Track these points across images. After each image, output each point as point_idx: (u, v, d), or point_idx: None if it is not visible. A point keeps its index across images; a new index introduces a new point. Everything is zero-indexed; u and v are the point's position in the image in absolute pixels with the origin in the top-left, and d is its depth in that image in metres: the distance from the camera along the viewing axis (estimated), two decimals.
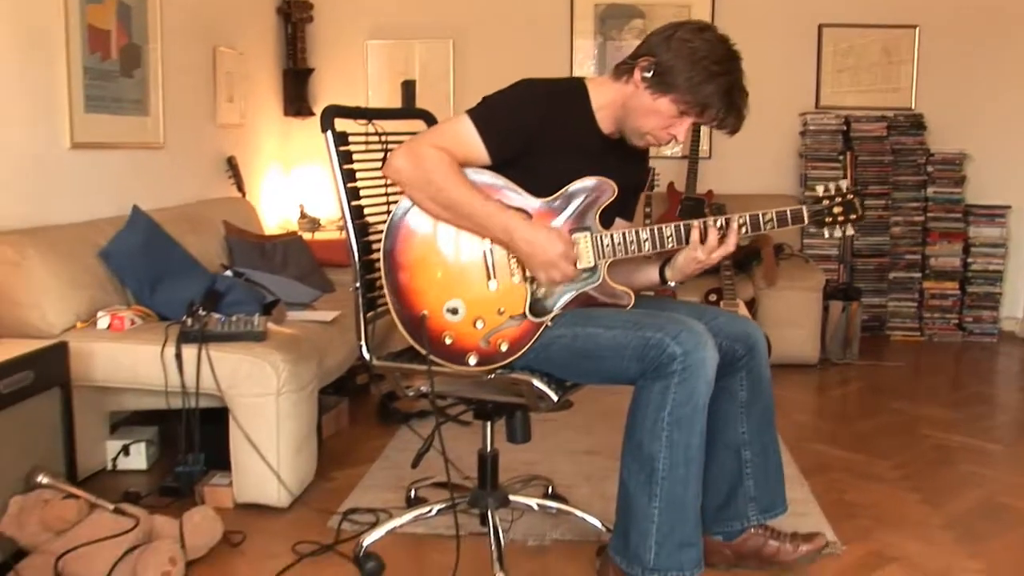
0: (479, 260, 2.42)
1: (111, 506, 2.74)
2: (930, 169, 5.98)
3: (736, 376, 2.56)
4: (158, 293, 3.55)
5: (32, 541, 2.64)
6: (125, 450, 3.56)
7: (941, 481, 3.50)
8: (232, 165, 5.23)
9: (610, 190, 2.42)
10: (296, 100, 6.22)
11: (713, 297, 5.05)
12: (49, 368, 2.88)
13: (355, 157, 2.65)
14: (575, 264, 2.38)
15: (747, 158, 6.10)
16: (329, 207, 6.04)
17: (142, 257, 3.64)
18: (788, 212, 2.42)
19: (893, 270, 6.04)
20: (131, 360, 3.17)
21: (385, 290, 2.46)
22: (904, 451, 3.84)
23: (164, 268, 3.66)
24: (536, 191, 2.42)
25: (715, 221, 2.41)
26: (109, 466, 3.56)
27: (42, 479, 2.77)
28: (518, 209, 2.41)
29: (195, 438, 3.14)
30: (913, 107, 6.08)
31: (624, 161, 2.56)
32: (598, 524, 2.89)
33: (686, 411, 2.24)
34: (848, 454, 3.82)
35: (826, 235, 2.50)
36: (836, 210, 2.47)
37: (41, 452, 2.84)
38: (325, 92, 6.31)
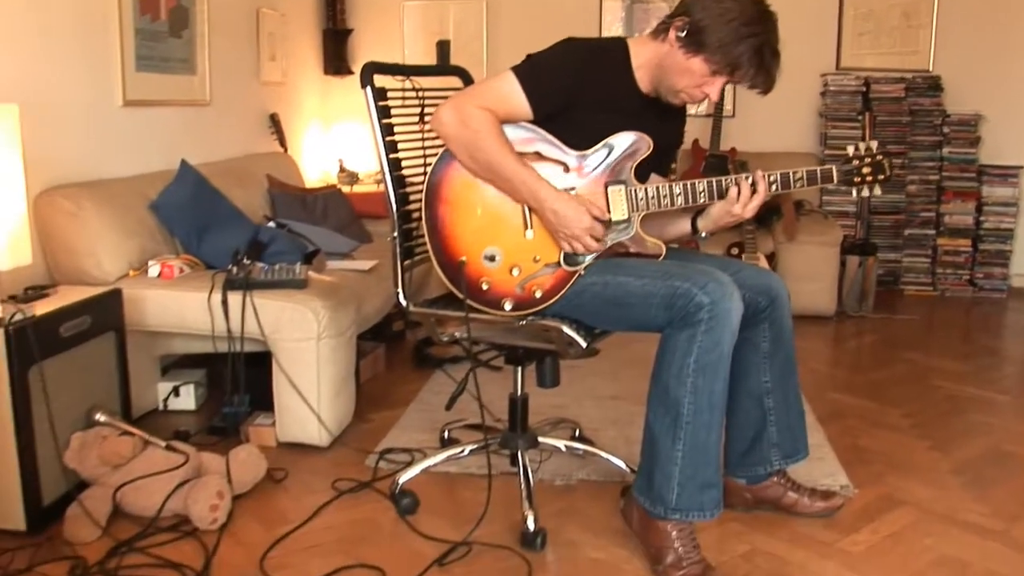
0: (517, 210, 2.40)
1: (163, 443, 2.76)
2: (946, 130, 5.87)
3: (759, 327, 2.54)
4: (205, 243, 3.57)
5: (92, 474, 2.68)
6: (175, 391, 3.59)
7: (950, 429, 3.48)
8: (275, 121, 5.22)
9: (646, 145, 2.39)
10: (335, 59, 6.18)
11: (735, 251, 5.02)
12: (105, 313, 2.89)
13: (393, 112, 2.63)
14: (599, 239, 2.36)
15: (769, 117, 6.02)
16: (367, 162, 6.02)
17: (190, 209, 3.65)
18: (818, 171, 2.39)
19: (908, 227, 5.97)
20: (180, 306, 3.19)
21: (425, 236, 2.44)
22: (915, 400, 3.82)
23: (211, 219, 3.67)
24: (575, 145, 2.40)
25: (747, 178, 2.38)
26: (160, 406, 3.59)
27: (100, 417, 2.80)
28: (556, 161, 2.39)
29: (240, 380, 3.15)
30: (931, 69, 5.96)
31: (661, 120, 2.53)
32: (623, 466, 2.89)
33: (711, 359, 2.22)
34: (862, 402, 3.80)
35: (854, 195, 2.46)
36: (865, 170, 2.44)
37: (98, 392, 2.86)
38: (363, 52, 6.27)
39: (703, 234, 2.55)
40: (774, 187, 2.40)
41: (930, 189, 5.93)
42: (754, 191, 2.38)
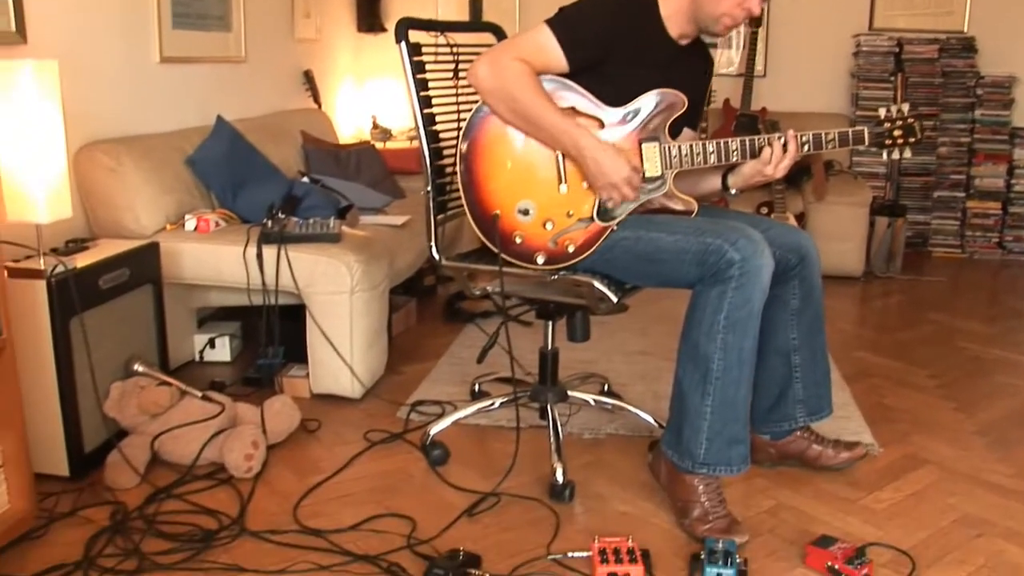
0: (551, 164, 2.39)
1: (199, 393, 2.80)
2: (979, 92, 5.78)
3: (788, 285, 2.53)
4: (240, 198, 3.58)
5: (131, 423, 2.71)
6: (211, 343, 3.62)
7: (975, 390, 3.46)
8: (309, 78, 5.20)
9: (680, 103, 2.38)
10: (369, 17, 6.14)
11: (764, 210, 4.99)
12: (142, 266, 2.92)
13: (427, 68, 2.62)
14: (636, 190, 2.35)
15: (800, 77, 5.95)
16: (400, 118, 6.00)
17: (226, 164, 3.66)
18: (850, 133, 2.38)
19: (938, 189, 5.89)
20: (216, 259, 3.21)
21: (460, 190, 2.44)
22: (941, 361, 3.80)
23: (246, 174, 3.68)
24: (608, 99, 2.38)
25: (779, 138, 2.36)
26: (196, 358, 3.63)
27: (138, 367, 2.83)
28: (591, 117, 2.37)
29: (275, 333, 3.17)
30: (965, 30, 5.86)
31: (691, 70, 2.52)
32: (651, 420, 2.90)
33: (741, 315, 2.22)
34: (888, 362, 3.78)
35: (884, 157, 2.44)
36: (896, 133, 2.42)
37: (137, 344, 2.90)
38: (396, 9, 6.21)
39: (733, 191, 2.53)
40: (806, 147, 2.38)
41: (961, 151, 5.85)
42: (785, 151, 2.36)
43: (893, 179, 5.89)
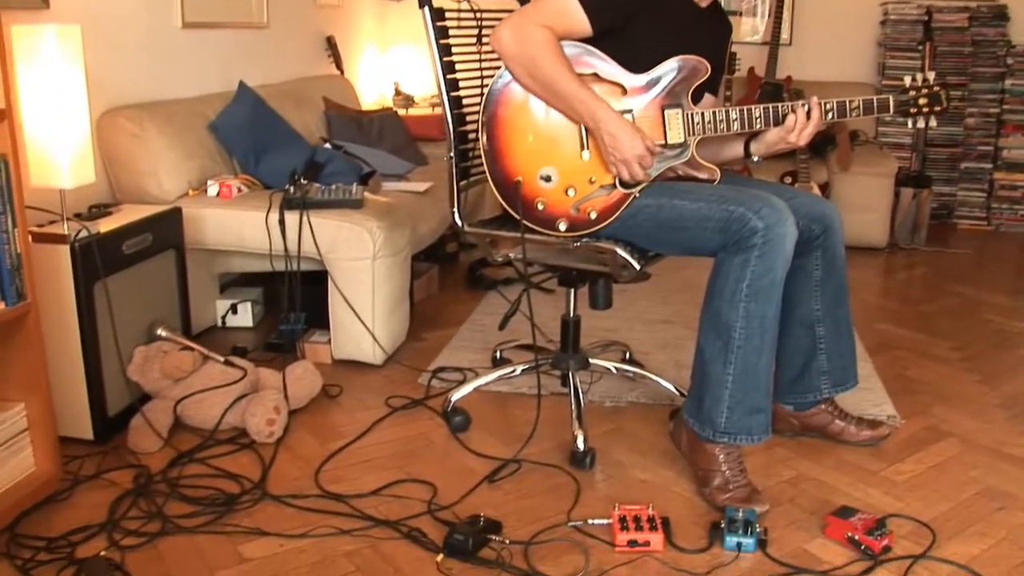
0: (573, 130, 2.37)
1: (222, 358, 2.81)
2: (1010, 61, 5.68)
3: (812, 255, 2.51)
4: (263, 163, 3.58)
5: (154, 387, 2.73)
6: (233, 309, 3.64)
7: (999, 363, 3.43)
8: (331, 44, 5.19)
9: (703, 69, 2.35)
10: None
11: (788, 180, 4.95)
12: (165, 231, 2.92)
13: (450, 33, 2.60)
14: (647, 169, 2.33)
15: (826, 45, 5.89)
16: (422, 85, 5.99)
17: (248, 130, 3.66)
18: (875, 101, 2.35)
19: (965, 160, 5.83)
20: (238, 225, 3.21)
21: (482, 156, 2.43)
22: (965, 334, 3.77)
23: (268, 140, 3.68)
24: (630, 65, 2.36)
25: (803, 105, 2.34)
26: (219, 323, 3.65)
27: (161, 332, 2.85)
28: (613, 83, 2.35)
29: (297, 298, 3.17)
30: None
31: (711, 34, 2.51)
32: (672, 389, 2.90)
33: (764, 284, 2.20)
34: (911, 334, 3.76)
35: (909, 126, 2.41)
36: (921, 101, 2.39)
37: (160, 309, 2.91)
38: None
39: (756, 159, 2.51)
40: (830, 115, 2.36)
41: (989, 122, 5.78)
42: (809, 118, 2.34)
43: (919, 150, 5.83)
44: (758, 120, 2.36)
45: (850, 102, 2.34)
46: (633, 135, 2.28)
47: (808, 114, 2.34)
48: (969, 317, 4.01)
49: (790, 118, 2.34)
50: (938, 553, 2.14)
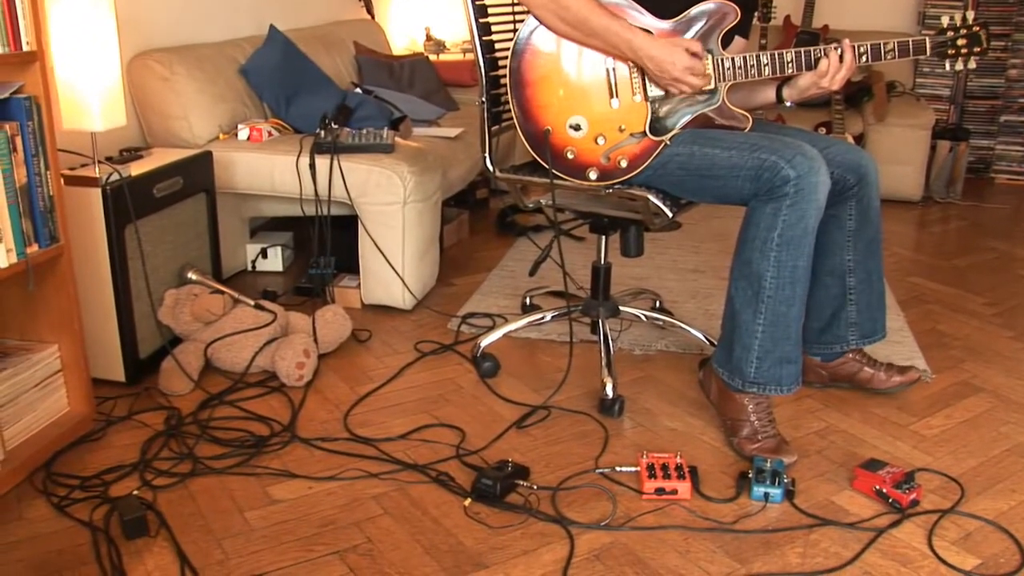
0: (602, 78, 2.34)
1: (252, 302, 2.82)
2: None
3: (846, 205, 2.48)
4: (293, 107, 3.57)
5: (185, 330, 2.75)
6: (263, 253, 3.65)
7: None
8: None
9: (733, 13, 2.31)
10: None
11: (823, 130, 4.88)
12: (196, 175, 2.92)
13: None
14: (703, 75, 2.28)
15: None
16: (453, 30, 5.93)
17: (278, 74, 3.64)
18: (910, 42, 2.29)
19: (1005, 113, 5.72)
20: (268, 169, 3.20)
21: (511, 106, 2.41)
22: (998, 289, 3.72)
23: (299, 84, 3.66)
24: (659, 11, 2.32)
25: (836, 47, 2.29)
26: (249, 267, 3.66)
27: (192, 276, 2.86)
28: (642, 30, 2.31)
29: (327, 243, 3.18)
30: None
31: None
32: (702, 337, 2.89)
33: (795, 233, 2.18)
34: (944, 288, 3.72)
35: (947, 68, 2.36)
36: (960, 42, 2.32)
37: (190, 252, 2.92)
38: None
39: (788, 104, 2.47)
40: (863, 58, 2.31)
41: None
42: (842, 61, 2.30)
43: (957, 102, 5.73)
44: (790, 65, 2.32)
45: (885, 44, 2.29)
46: (673, 51, 2.24)
47: (841, 57, 2.29)
48: (1003, 272, 3.96)
49: (823, 62, 2.30)
50: (966, 508, 2.13)
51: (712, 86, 2.33)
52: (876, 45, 2.30)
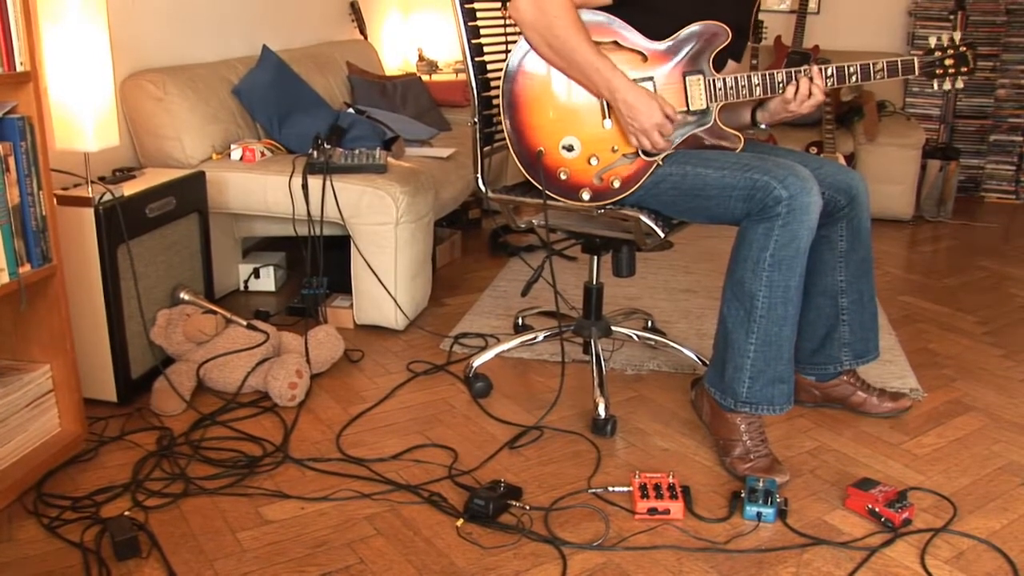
0: (595, 100, 2.36)
1: (244, 322, 2.82)
2: None
3: (837, 226, 2.49)
4: (286, 127, 3.58)
5: (177, 350, 2.75)
6: (256, 273, 3.65)
7: None
8: (355, 9, 5.17)
9: (724, 34, 2.32)
10: None
11: (814, 150, 4.91)
12: (189, 195, 2.93)
13: None
14: (667, 137, 2.31)
15: (855, 14, 5.82)
16: (445, 51, 5.96)
17: (272, 94, 3.65)
18: (899, 62, 2.32)
19: (994, 132, 5.76)
20: (261, 189, 3.21)
21: (504, 127, 2.42)
22: (990, 308, 3.74)
23: (292, 104, 3.67)
24: (651, 31, 2.34)
25: (826, 68, 2.32)
26: (241, 287, 3.66)
27: (184, 295, 2.86)
28: (634, 51, 2.33)
29: (319, 263, 3.18)
30: None
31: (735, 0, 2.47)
32: (694, 357, 2.90)
33: (787, 253, 2.19)
34: (935, 307, 3.73)
35: (935, 87, 2.38)
36: (948, 62, 2.36)
37: (183, 272, 2.92)
38: None
39: (763, 126, 2.50)
40: (854, 78, 2.33)
41: (1021, 94, 5.70)
42: (810, 92, 2.33)
43: (947, 121, 5.77)
44: (780, 85, 2.34)
45: (874, 64, 2.31)
46: (650, 103, 2.26)
47: (810, 84, 2.32)
48: (994, 291, 3.98)
49: (789, 88, 2.33)
50: (959, 527, 2.14)
51: (704, 107, 2.35)
52: (866, 65, 2.32)
